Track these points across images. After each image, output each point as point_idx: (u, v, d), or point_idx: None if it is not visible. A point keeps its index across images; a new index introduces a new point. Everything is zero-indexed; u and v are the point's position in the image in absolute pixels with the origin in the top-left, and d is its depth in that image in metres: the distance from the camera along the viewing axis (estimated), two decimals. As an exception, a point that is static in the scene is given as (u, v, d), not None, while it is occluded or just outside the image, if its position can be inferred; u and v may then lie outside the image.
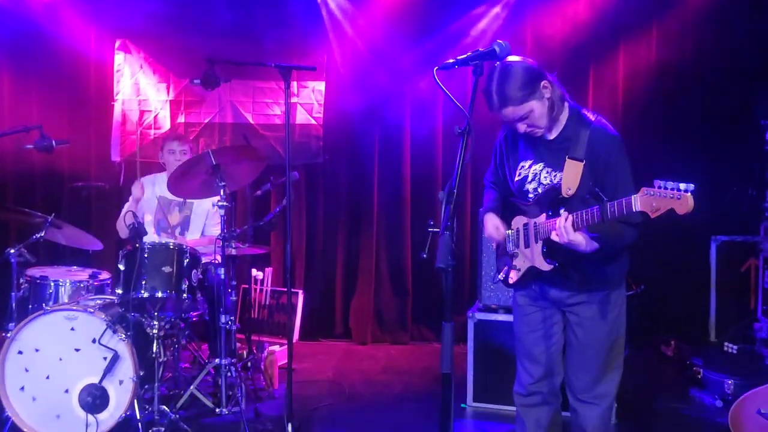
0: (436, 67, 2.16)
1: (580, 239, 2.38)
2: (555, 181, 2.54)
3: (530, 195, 2.66)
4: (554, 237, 2.41)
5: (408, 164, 5.99)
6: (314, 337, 5.94)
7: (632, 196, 2.16)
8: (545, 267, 2.60)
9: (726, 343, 5.22)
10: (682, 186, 2.06)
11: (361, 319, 5.99)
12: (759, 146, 5.38)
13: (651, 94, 5.74)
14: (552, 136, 2.60)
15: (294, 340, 5.49)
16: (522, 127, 2.53)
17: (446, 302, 1.94)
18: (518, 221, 2.73)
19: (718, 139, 5.49)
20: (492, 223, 2.77)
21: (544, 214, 2.57)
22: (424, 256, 2.06)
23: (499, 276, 2.81)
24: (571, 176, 2.46)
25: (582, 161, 2.45)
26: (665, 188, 2.08)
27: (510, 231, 2.75)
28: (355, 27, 5.90)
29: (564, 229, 2.36)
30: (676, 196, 2.06)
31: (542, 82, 2.49)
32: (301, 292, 5.69)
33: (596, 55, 5.74)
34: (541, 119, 2.52)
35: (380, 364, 5.35)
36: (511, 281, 2.76)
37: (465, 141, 2.06)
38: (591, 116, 2.57)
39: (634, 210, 2.16)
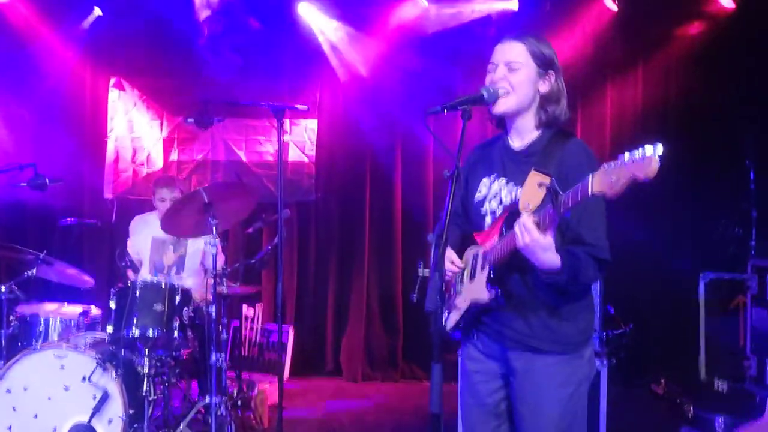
0: (425, 112, 2.19)
1: (542, 240, 2.03)
2: (516, 197, 2.27)
3: (488, 218, 2.37)
4: (517, 240, 2.07)
5: (399, 202, 6.05)
6: (305, 374, 5.92)
7: (589, 176, 1.87)
8: (485, 296, 2.25)
9: (716, 381, 5.24)
10: (648, 148, 1.76)
11: (352, 356, 5.98)
12: (745, 185, 5.49)
13: (638, 131, 5.86)
14: (520, 145, 2.37)
15: (284, 377, 5.48)
16: (492, 75, 2.33)
17: (435, 343, 1.95)
18: (469, 254, 2.40)
19: (706, 178, 5.58)
20: (448, 259, 2.38)
21: (497, 236, 2.26)
22: (414, 298, 2.07)
23: (442, 323, 2.38)
24: (532, 190, 2.17)
25: (549, 175, 2.13)
26: (627, 157, 1.80)
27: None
28: (347, 67, 6.00)
29: (524, 226, 2.05)
30: (638, 160, 1.76)
31: (555, 68, 2.34)
32: (291, 328, 5.69)
33: (584, 91, 5.88)
34: (520, 86, 2.30)
35: (371, 403, 5.33)
36: (449, 325, 2.38)
37: (454, 184, 2.06)
38: (571, 136, 2.33)
39: (589, 192, 1.86)
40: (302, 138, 6.05)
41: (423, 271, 2.23)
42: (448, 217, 2.02)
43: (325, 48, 5.97)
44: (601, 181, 1.84)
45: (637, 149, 1.78)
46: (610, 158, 5.89)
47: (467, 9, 5.85)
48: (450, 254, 2.39)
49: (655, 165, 1.75)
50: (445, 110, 2.18)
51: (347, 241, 6.07)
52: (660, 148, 1.76)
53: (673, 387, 5.19)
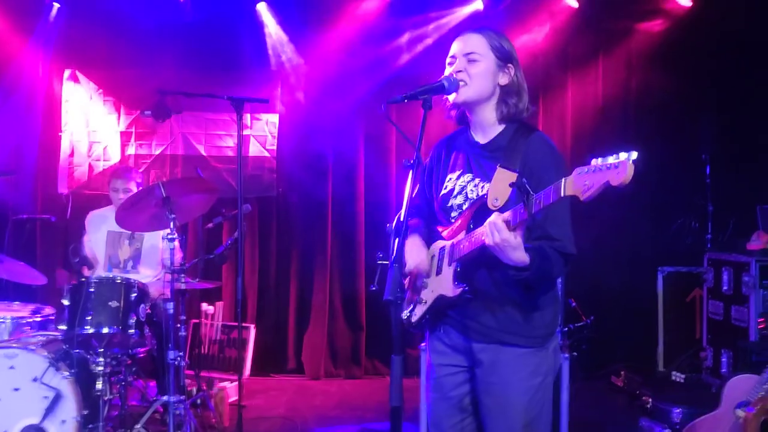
0: (386, 101, 2.17)
1: (512, 239, 2.02)
2: (483, 193, 2.27)
3: (454, 213, 2.36)
4: (485, 238, 2.06)
5: (362, 196, 6.01)
6: (266, 372, 5.85)
7: (563, 179, 1.88)
8: (453, 292, 2.23)
9: (674, 373, 5.33)
10: (623, 154, 1.77)
11: (315, 353, 5.93)
12: (701, 179, 5.59)
13: (599, 125, 5.94)
14: (484, 139, 2.38)
15: (245, 376, 5.41)
16: (452, 67, 2.33)
17: (395, 335, 1.92)
18: (435, 248, 2.39)
19: (664, 172, 5.67)
20: (416, 250, 2.37)
21: (464, 231, 2.25)
22: (374, 288, 2.03)
23: (403, 315, 2.37)
24: (500, 186, 2.18)
25: (516, 171, 2.17)
26: (601, 162, 1.81)
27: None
28: (308, 58, 5.94)
29: (494, 225, 2.03)
30: (612, 165, 1.77)
31: (514, 62, 2.35)
32: (252, 326, 5.61)
33: (546, 86, 5.93)
34: (480, 77, 2.30)
35: (334, 400, 5.29)
36: (414, 318, 2.36)
37: (414, 174, 2.05)
38: (534, 130, 2.34)
39: (562, 194, 1.87)
40: (263, 132, 5.97)
41: (383, 261, 2.20)
42: (407, 207, 2.00)
43: (286, 41, 5.90)
44: (573, 185, 1.85)
45: (611, 155, 1.79)
46: (572, 152, 5.95)
47: (432, 28, 5.91)
48: (419, 242, 2.39)
49: (630, 171, 1.75)
50: (406, 99, 2.18)
51: (309, 237, 6.02)
52: (634, 155, 1.76)
53: (633, 379, 5.27)
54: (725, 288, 5.06)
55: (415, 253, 2.37)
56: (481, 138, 2.39)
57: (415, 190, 2.56)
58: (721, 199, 5.52)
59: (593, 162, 1.82)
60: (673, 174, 5.72)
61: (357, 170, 6.02)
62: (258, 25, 5.86)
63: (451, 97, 2.32)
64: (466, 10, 5.91)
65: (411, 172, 2.05)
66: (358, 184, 6.01)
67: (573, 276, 4.39)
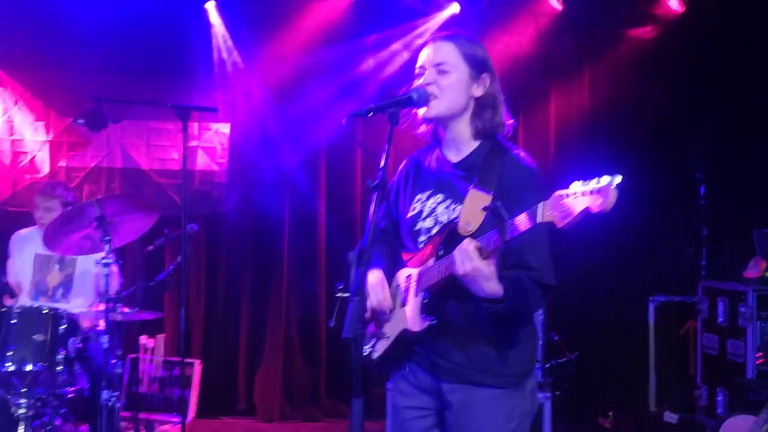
0: (349, 115, 2.20)
1: (484, 268, 2.05)
2: (455, 215, 2.30)
3: (422, 238, 2.40)
4: (455, 266, 2.09)
5: (323, 216, 6.03)
6: (213, 413, 5.79)
7: (539, 204, 1.92)
8: (419, 326, 2.24)
9: (666, 413, 5.40)
10: (605, 178, 1.81)
11: (268, 392, 5.90)
12: (695, 201, 5.69)
13: (584, 142, 6.05)
14: (457, 157, 2.43)
15: (189, 418, 5.36)
16: (422, 78, 2.37)
17: (356, 375, 1.94)
18: (400, 276, 2.42)
19: (655, 191, 5.76)
20: (379, 286, 2.38)
21: (433, 258, 2.29)
22: (332, 324, 2.05)
23: (364, 351, 2.36)
24: (473, 209, 2.22)
25: (490, 194, 2.21)
26: (582, 186, 1.85)
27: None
28: (263, 63, 5.97)
29: (465, 253, 2.06)
30: (593, 191, 1.81)
31: (489, 72, 2.41)
32: (198, 361, 5.57)
33: (527, 96, 6.03)
34: (452, 89, 2.35)
35: (289, 445, 5.27)
36: (375, 355, 2.37)
37: (379, 196, 2.08)
38: (511, 148, 2.40)
39: (538, 220, 1.91)
40: (212, 143, 5.97)
41: (343, 294, 2.22)
42: (371, 233, 2.03)
43: (236, 44, 5.92)
44: (551, 211, 1.88)
45: (593, 179, 1.84)
46: (555, 169, 6.05)
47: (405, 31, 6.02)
48: (380, 276, 2.40)
49: (612, 198, 1.79)
50: (371, 113, 2.21)
51: (263, 261, 6.01)
52: (618, 179, 1.80)
53: (622, 419, 5.33)
54: (721, 320, 5.12)
55: (377, 288, 2.39)
56: (454, 156, 2.43)
57: (380, 212, 2.58)
58: (717, 222, 5.60)
59: (573, 186, 1.87)
60: (664, 194, 5.83)
61: (318, 187, 6.04)
62: (207, 26, 5.88)
63: (421, 112, 2.37)
64: (443, 15, 6.00)
65: (375, 193, 2.08)
66: (319, 202, 6.03)
67: (555, 306, 4.47)
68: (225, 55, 5.94)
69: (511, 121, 2.45)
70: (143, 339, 5.42)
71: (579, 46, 6.10)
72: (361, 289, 1.94)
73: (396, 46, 5.96)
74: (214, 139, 5.98)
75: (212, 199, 5.96)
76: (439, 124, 2.43)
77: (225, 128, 5.99)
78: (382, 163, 2.14)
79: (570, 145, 6.07)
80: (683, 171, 5.73)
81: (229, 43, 5.92)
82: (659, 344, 5.70)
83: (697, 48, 5.80)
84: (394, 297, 2.39)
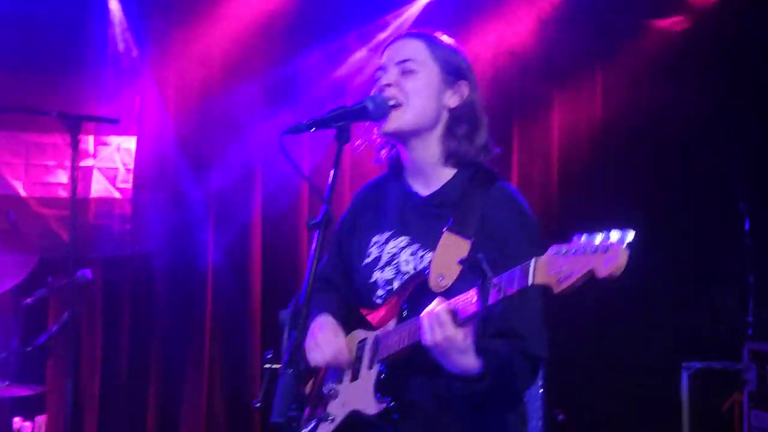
0: (284, 131, 2.23)
1: (459, 339, 2.07)
2: (423, 265, 2.35)
3: (380, 293, 2.45)
4: (423, 334, 2.11)
5: (258, 260, 6.02)
6: None
7: (532, 260, 1.96)
8: (373, 407, 2.25)
9: None
10: (614, 235, 1.85)
11: (184, 494, 5.85)
12: (738, 239, 5.71)
13: (596, 160, 6.15)
14: (426, 189, 2.49)
15: None
16: (385, 79, 2.44)
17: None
18: (351, 341, 2.45)
19: (686, 228, 5.81)
20: (330, 334, 2.40)
21: (395, 318, 2.32)
22: (258, 405, 2.05)
23: None
24: (447, 258, 2.25)
25: (469, 239, 2.27)
26: (585, 242, 1.89)
27: None
28: (182, 63, 5.96)
29: (435, 318, 2.08)
30: (600, 249, 1.85)
31: (468, 78, 2.49)
32: (92, 452, 5.52)
33: (523, 107, 6.13)
34: (418, 95, 2.41)
35: None
36: None
37: (321, 236, 2.09)
38: (496, 179, 2.46)
39: (530, 281, 1.94)
40: (113, 163, 5.94)
41: (272, 365, 2.23)
42: (309, 286, 2.04)
43: (148, 37, 5.93)
44: (546, 271, 1.92)
45: (598, 234, 1.88)
46: (558, 198, 6.11)
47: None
48: (332, 324, 2.42)
49: (623, 260, 1.82)
50: (313, 128, 2.25)
51: (179, 320, 5.97)
52: (630, 236, 1.85)
53: None
54: (773, 392, 5.16)
55: (329, 336, 2.41)
56: (422, 187, 2.49)
57: (324, 258, 2.63)
58: (766, 266, 5.65)
59: (575, 241, 1.91)
60: (698, 230, 5.86)
61: (252, 223, 6.03)
62: (109, 17, 5.86)
63: (383, 125, 2.41)
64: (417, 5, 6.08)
65: (317, 233, 2.10)
66: (254, 241, 6.02)
67: (560, 377, 4.48)
68: (128, 50, 5.92)
69: (494, 149, 2.52)
70: (18, 422, 5.34)
71: (589, 41, 6.22)
72: (294, 359, 1.94)
73: (355, 43, 6.03)
74: (114, 157, 5.95)
75: (112, 237, 5.92)
76: (402, 142, 2.49)
77: (129, 143, 5.97)
78: (327, 194, 2.16)
79: (577, 166, 6.18)
80: (721, 199, 5.75)
81: (135, 35, 5.90)
82: (695, 423, 5.70)
83: (737, 43, 5.91)
84: (351, 361, 2.40)
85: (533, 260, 1.95)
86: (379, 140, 2.56)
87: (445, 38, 2.56)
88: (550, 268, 1.91)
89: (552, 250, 1.94)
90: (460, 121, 2.46)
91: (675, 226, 5.72)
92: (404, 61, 2.44)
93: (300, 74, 5.99)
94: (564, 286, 1.88)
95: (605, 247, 1.84)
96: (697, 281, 5.83)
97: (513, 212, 2.37)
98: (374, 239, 2.51)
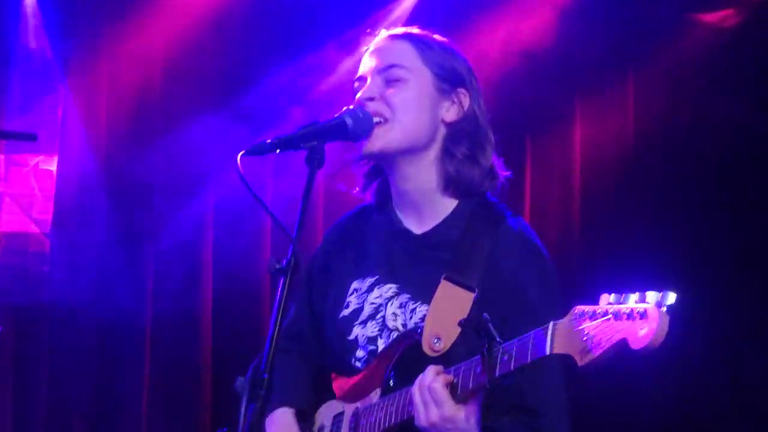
0: (242, 152, 2.22)
1: (460, 418, 2.09)
2: (414, 322, 2.37)
3: (360, 354, 2.45)
4: (414, 411, 2.12)
5: (208, 312, 5.99)
6: None
7: (547, 325, 1.96)
8: None
9: None
10: (651, 296, 1.82)
11: None
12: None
13: (627, 189, 6.15)
14: (420, 227, 2.51)
15: None
16: (367, 91, 2.46)
17: None
18: (326, 414, 2.49)
19: (739, 271, 5.78)
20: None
21: (379, 389, 2.34)
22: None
23: None
24: (445, 314, 2.26)
25: (472, 292, 2.28)
26: (616, 304, 1.87)
27: None
28: (114, 64, 5.96)
29: (430, 392, 2.09)
30: (634, 315, 1.82)
31: (468, 85, 2.52)
32: None
33: (539, 121, 6.18)
34: (408, 108, 2.44)
35: None
36: None
37: (288, 284, 2.07)
38: (505, 214, 2.48)
39: (547, 351, 1.94)
40: (28, 189, 5.93)
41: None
42: (272, 347, 2.02)
43: (72, 36, 5.91)
44: (568, 339, 1.92)
45: (630, 295, 1.86)
46: (580, 236, 6.07)
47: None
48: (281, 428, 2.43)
49: (662, 328, 1.79)
50: (278, 149, 2.26)
51: (109, 382, 5.93)
52: (672, 298, 1.82)
53: None
54: None
55: None
56: (415, 223, 2.51)
57: (292, 311, 2.62)
58: None
59: (602, 303, 1.90)
60: (756, 278, 5.80)
61: (201, 265, 6.00)
62: (23, 10, 5.86)
63: (364, 145, 2.44)
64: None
65: (282, 280, 2.08)
66: (203, 290, 5.99)
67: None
68: (47, 50, 5.91)
69: (503, 173, 2.55)
70: None
71: (620, 39, 6.22)
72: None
73: (332, 44, 6.00)
74: (30, 181, 5.94)
75: (28, 280, 5.89)
76: (390, 166, 2.50)
77: (49, 164, 5.95)
78: (296, 231, 2.15)
79: (604, 193, 6.17)
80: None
81: (55, 31, 5.90)
82: None
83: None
84: None
85: (551, 324, 1.96)
86: (360, 164, 2.55)
87: (438, 38, 2.58)
88: (573, 335, 1.92)
89: (575, 312, 1.93)
90: (459, 139, 2.49)
91: (726, 270, 5.66)
92: (389, 67, 2.47)
93: (264, 82, 5.97)
94: (590, 357, 1.87)
95: (640, 312, 1.82)
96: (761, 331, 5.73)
97: (527, 259, 2.39)
98: (354, 286, 2.52)
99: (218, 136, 5.80)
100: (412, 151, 2.44)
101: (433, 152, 2.46)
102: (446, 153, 2.46)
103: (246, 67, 6.03)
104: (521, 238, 2.41)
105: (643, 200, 6.12)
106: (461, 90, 2.49)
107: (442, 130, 2.48)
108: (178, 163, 5.93)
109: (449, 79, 2.48)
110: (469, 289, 2.27)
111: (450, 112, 2.47)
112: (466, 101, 2.49)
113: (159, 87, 6.02)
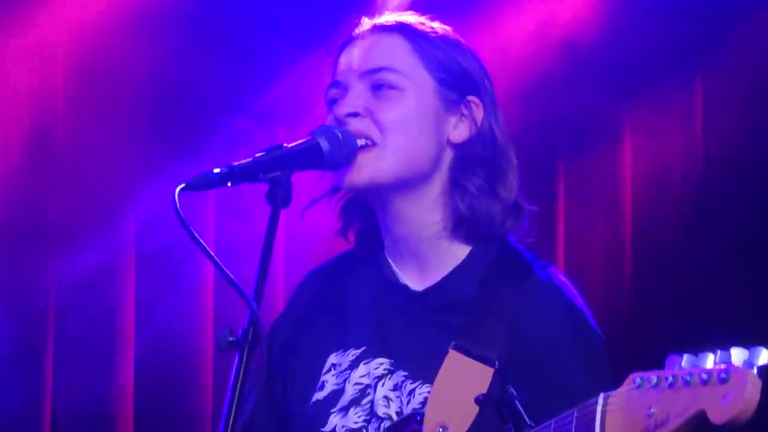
0: (180, 187, 2.15)
1: None
2: (413, 408, 2.40)
3: None
4: None
5: (129, 406, 5.97)
6: None
7: (596, 399, 1.94)
8: None
9: None
10: (736, 354, 1.80)
11: None
12: None
13: (695, 224, 6.15)
14: (421, 281, 2.52)
15: None
16: (340, 106, 2.48)
17: None
18: None
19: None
20: None
21: None
22: None
23: None
24: (455, 395, 2.29)
25: (491, 366, 2.27)
26: (689, 367, 1.84)
27: None
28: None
29: None
30: (714, 380, 1.78)
31: (482, 92, 2.53)
32: None
33: (575, 144, 6.20)
34: (401, 127, 2.45)
35: None
36: None
37: (243, 364, 2.07)
38: (533, 264, 2.49)
39: (597, 430, 1.94)
40: None
41: None
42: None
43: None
44: (624, 416, 1.90)
45: (707, 354, 1.83)
46: (632, 292, 6.12)
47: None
48: None
49: (753, 395, 1.75)
50: (229, 181, 2.24)
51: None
52: (764, 356, 1.80)
53: None
54: None
55: None
56: (415, 276, 2.52)
57: (251, 400, 2.58)
58: None
59: (671, 365, 1.87)
60: None
61: (123, 342, 5.99)
62: None
63: (345, 175, 2.43)
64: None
65: (237, 358, 2.08)
66: (123, 373, 5.97)
67: None
68: None
69: (530, 208, 2.55)
70: None
71: (685, 33, 6.24)
72: None
73: (300, 46, 6.04)
74: None
75: None
76: (380, 203, 2.50)
77: None
78: (254, 288, 2.16)
79: (663, 236, 6.17)
80: None
81: None
82: None
83: None
84: None
85: (601, 398, 1.93)
86: (339, 200, 2.55)
87: (439, 27, 2.58)
88: (632, 411, 1.89)
89: (633, 381, 1.89)
90: (472, 166, 2.50)
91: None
92: (377, 71, 2.47)
93: (209, 92, 6.00)
94: None
95: (722, 375, 1.77)
96: None
97: (562, 322, 2.40)
98: (332, 361, 2.53)
99: (145, 162, 5.83)
100: (409, 184, 2.45)
101: (438, 185, 2.47)
102: (455, 185, 2.47)
103: (178, 69, 6.01)
104: (554, 296, 2.42)
105: (715, 243, 6.13)
106: (473, 99, 2.49)
107: (449, 155, 2.49)
108: (87, 201, 5.93)
109: (457, 86, 2.48)
110: (487, 362, 2.25)
111: (459, 130, 2.48)
112: (479, 114, 2.49)
113: (62, 97, 6.01)
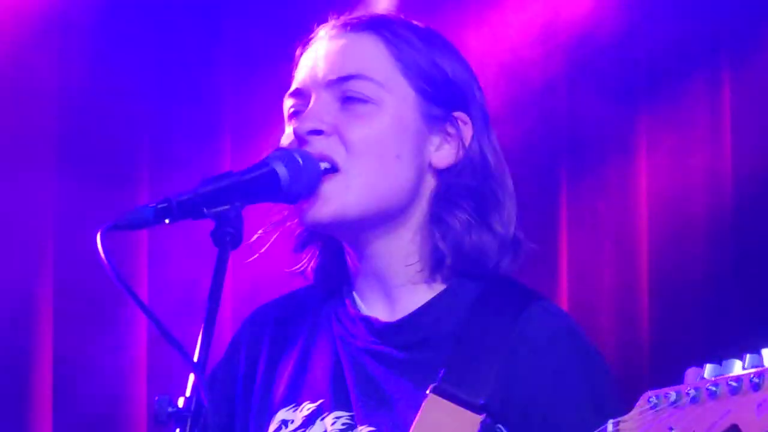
0: (104, 227, 2.14)
1: None
2: None
3: None
4: None
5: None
6: None
7: (605, 426, 1.98)
8: None
9: None
10: None
11: None
12: None
13: (721, 242, 6.25)
14: (391, 312, 2.52)
15: None
16: (301, 121, 2.47)
17: None
18: None
19: None
20: None
21: None
22: None
23: None
24: None
25: (479, 412, 2.30)
26: (713, 377, 1.87)
27: None
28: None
29: None
30: (745, 387, 1.80)
31: (472, 107, 2.54)
32: None
33: (580, 155, 6.23)
34: (371, 151, 2.44)
35: None
36: None
37: (193, 421, 2.06)
38: (529, 295, 2.51)
39: None
40: None
41: None
42: None
43: None
44: None
45: (733, 361, 1.86)
46: (649, 339, 6.21)
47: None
48: None
49: None
50: (167, 218, 2.23)
51: None
52: None
53: None
54: None
55: None
56: (384, 310, 2.53)
57: None
58: None
59: (691, 378, 1.89)
60: None
61: (39, 398, 6.00)
62: None
63: (307, 211, 2.45)
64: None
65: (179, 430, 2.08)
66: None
67: None
68: None
69: (528, 243, 2.56)
70: None
71: (710, 30, 6.28)
72: None
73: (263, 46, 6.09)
74: None
75: None
76: (347, 239, 2.52)
77: None
78: (200, 349, 2.15)
79: (684, 267, 6.21)
80: None
81: None
82: None
83: None
84: None
85: (610, 424, 1.96)
86: (297, 233, 2.57)
87: (419, 27, 2.59)
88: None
89: (647, 400, 1.93)
90: (458, 195, 2.50)
91: None
92: (346, 79, 2.47)
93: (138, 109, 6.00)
94: None
95: (755, 380, 1.80)
96: None
97: (568, 356, 2.42)
98: (281, 417, 2.54)
99: (64, 190, 5.83)
100: (381, 219, 2.45)
101: (416, 218, 2.48)
102: (435, 219, 2.47)
103: (105, 79, 6.03)
104: (556, 327, 2.44)
105: (748, 282, 6.16)
106: (460, 116, 2.50)
107: (431, 182, 2.50)
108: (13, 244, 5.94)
109: (442, 99, 2.49)
110: (474, 408, 2.27)
111: (442, 153, 2.49)
112: (467, 134, 2.50)
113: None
